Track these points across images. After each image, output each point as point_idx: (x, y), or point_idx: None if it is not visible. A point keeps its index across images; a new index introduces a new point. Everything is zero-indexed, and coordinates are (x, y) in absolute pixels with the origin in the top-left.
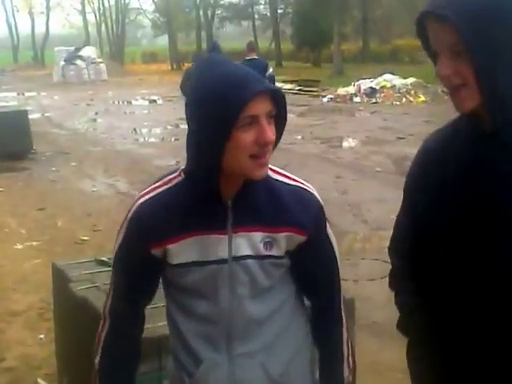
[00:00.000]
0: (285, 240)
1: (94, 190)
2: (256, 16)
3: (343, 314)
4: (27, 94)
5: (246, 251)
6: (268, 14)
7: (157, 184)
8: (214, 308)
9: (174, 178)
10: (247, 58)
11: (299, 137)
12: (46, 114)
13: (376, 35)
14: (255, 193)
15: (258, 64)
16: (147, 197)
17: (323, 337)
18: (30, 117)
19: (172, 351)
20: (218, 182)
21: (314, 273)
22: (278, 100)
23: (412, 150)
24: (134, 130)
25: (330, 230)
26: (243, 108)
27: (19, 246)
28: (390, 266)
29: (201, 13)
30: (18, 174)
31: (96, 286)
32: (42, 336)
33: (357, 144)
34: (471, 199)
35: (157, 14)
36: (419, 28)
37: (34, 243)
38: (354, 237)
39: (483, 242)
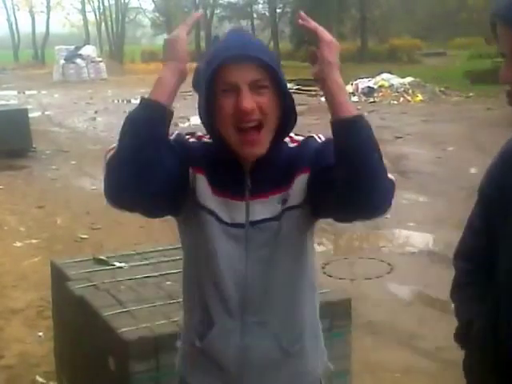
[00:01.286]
0: (298, 189)
1: (94, 188)
2: (255, 15)
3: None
4: (27, 92)
5: (264, 215)
6: (267, 14)
7: (190, 136)
8: (231, 271)
9: (203, 136)
10: None
11: None
12: (46, 113)
13: (374, 34)
14: (273, 160)
15: None
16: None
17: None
18: (30, 115)
19: (186, 312)
20: (230, 151)
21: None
22: (269, 70)
23: (410, 150)
24: None
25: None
26: (219, 72)
27: (19, 244)
28: (386, 266)
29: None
30: (18, 172)
31: (94, 285)
32: (40, 334)
33: None
34: None
35: (156, 14)
36: (493, 29)
37: (34, 241)
38: (351, 236)
39: None
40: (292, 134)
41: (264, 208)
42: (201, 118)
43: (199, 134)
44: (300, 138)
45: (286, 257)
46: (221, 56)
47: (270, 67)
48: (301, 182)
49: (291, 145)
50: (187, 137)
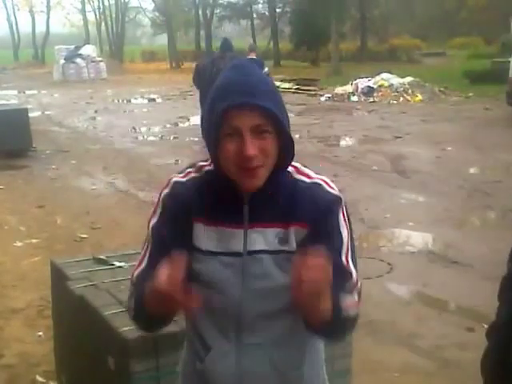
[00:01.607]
0: (294, 235)
1: (93, 187)
2: (254, 15)
3: (356, 292)
4: (28, 92)
5: (261, 246)
6: (266, 13)
7: (190, 169)
8: (225, 299)
9: (205, 166)
10: (248, 57)
11: (297, 136)
12: (46, 112)
13: (374, 34)
14: (274, 190)
15: (256, 63)
16: (180, 178)
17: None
18: (31, 115)
19: (186, 336)
20: (231, 181)
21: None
22: (271, 115)
23: (409, 149)
24: (133, 128)
25: (342, 221)
26: (224, 117)
27: (19, 244)
28: (386, 265)
29: (200, 12)
30: (18, 171)
31: (93, 285)
32: (40, 333)
33: (354, 143)
34: None
35: (156, 13)
36: None
37: (34, 241)
38: None
39: None
40: (308, 171)
41: (261, 239)
42: (208, 151)
43: (200, 163)
44: (308, 181)
45: (283, 288)
46: (224, 102)
47: (273, 113)
48: (297, 232)
49: (304, 179)
50: (182, 179)
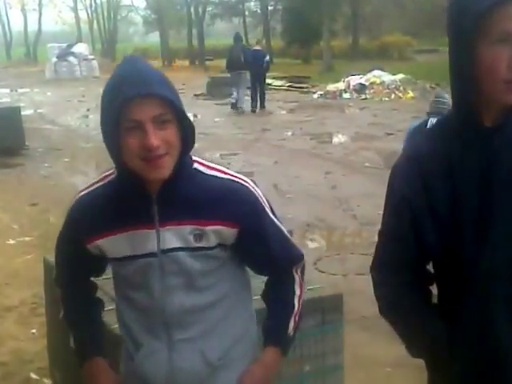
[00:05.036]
0: (213, 233)
1: None
2: (246, 13)
3: (296, 273)
4: (20, 90)
5: (176, 244)
6: (258, 11)
7: (94, 180)
8: (149, 299)
9: (109, 175)
10: (254, 48)
11: (289, 133)
12: (39, 111)
13: (365, 32)
14: (182, 186)
15: (260, 53)
16: (84, 193)
17: (275, 294)
18: (23, 113)
19: (123, 339)
20: (137, 179)
21: (263, 254)
22: (170, 104)
23: (401, 146)
24: None
25: (271, 216)
26: (123, 112)
27: (12, 242)
28: None
29: (192, 10)
30: (11, 169)
31: None
32: (34, 331)
33: (346, 140)
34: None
35: (148, 11)
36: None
37: (27, 238)
38: (343, 232)
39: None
40: (219, 167)
41: (175, 236)
42: (108, 150)
43: (104, 174)
44: (225, 177)
45: (204, 281)
46: (122, 95)
47: (172, 102)
48: (218, 230)
49: (218, 174)
50: (87, 191)
